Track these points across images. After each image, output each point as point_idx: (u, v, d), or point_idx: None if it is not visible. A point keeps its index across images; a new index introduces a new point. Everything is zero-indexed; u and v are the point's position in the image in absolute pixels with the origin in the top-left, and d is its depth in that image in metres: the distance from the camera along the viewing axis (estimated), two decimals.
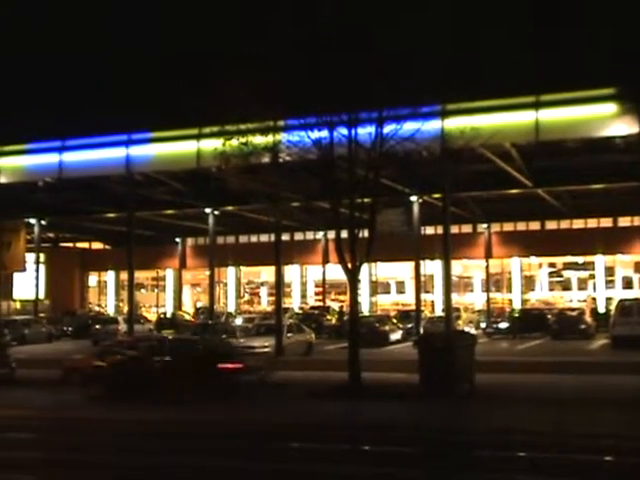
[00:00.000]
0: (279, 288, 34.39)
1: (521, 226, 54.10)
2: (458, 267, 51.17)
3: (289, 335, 32.21)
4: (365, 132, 23.13)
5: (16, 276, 52.09)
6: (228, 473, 12.68)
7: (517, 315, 43.43)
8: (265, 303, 59.59)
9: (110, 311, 60.08)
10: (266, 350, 30.72)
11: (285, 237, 43.54)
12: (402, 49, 21.53)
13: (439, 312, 47.08)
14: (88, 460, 13.86)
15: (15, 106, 60.11)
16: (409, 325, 40.26)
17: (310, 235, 56.85)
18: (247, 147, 22.72)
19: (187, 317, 51.22)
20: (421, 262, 42.38)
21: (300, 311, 50.33)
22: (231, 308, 57.26)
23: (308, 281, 59.73)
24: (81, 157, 36.37)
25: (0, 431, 17.77)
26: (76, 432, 17.55)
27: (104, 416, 19.69)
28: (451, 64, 20.62)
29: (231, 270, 59.51)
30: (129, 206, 37.06)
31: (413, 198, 39.36)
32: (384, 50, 21.56)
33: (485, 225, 52.23)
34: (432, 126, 24.45)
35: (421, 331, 36.58)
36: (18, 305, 57.31)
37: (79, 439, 16.40)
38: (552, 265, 55.26)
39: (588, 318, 41.63)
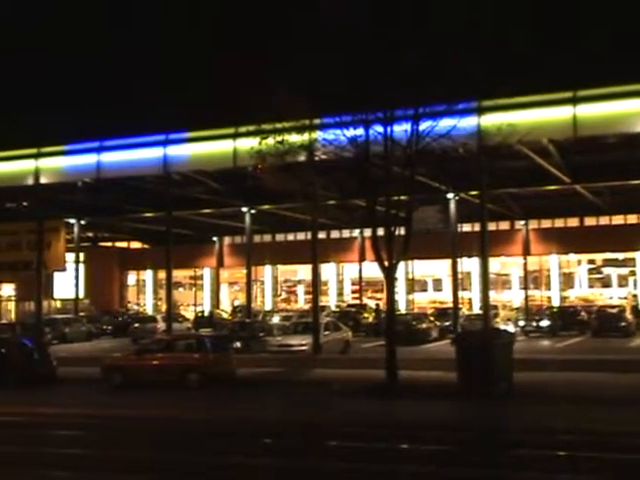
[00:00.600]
0: (316, 286, 34.39)
1: (559, 223, 53.51)
2: (496, 264, 50.77)
3: (326, 333, 32.23)
4: (401, 129, 23.07)
5: (56, 275, 52.83)
6: (270, 471, 12.75)
7: (556, 312, 43.00)
8: (302, 301, 59.65)
9: (149, 310, 60.66)
10: (303, 348, 30.82)
11: (321, 235, 43.56)
12: (438, 46, 21.42)
13: (477, 310, 46.77)
14: (133, 457, 14.04)
15: (54, 108, 60.97)
16: (446, 323, 40.06)
17: (346, 233, 56.79)
18: (283, 146, 22.78)
19: (224, 315, 51.49)
20: (458, 260, 42.16)
21: (337, 309, 50.33)
22: (268, 306, 57.46)
23: (345, 279, 59.70)
24: (119, 157, 36.74)
25: (47, 429, 18.05)
26: (117, 429, 17.75)
27: (146, 413, 19.88)
28: (487, 60, 20.46)
29: (268, 268, 59.71)
30: (167, 205, 37.35)
31: (450, 195, 39.16)
32: (419, 47, 21.47)
33: (523, 222, 51.78)
34: (468, 123, 24.28)
35: (459, 329, 36.37)
36: (59, 304, 58.14)
37: (121, 436, 16.60)
38: (591, 262, 54.57)
39: (629, 315, 41.08)
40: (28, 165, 38.00)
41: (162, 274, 52.08)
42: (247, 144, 24.91)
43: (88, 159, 37.17)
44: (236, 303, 58.80)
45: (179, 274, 56.11)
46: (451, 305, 41.53)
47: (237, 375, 26.13)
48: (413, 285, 55.88)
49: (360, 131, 22.90)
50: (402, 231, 24.16)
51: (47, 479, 12.51)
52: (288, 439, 15.60)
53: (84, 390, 25.71)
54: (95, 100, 75.02)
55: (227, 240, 61.29)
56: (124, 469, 13.03)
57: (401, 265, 26.75)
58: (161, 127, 36.30)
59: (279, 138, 22.73)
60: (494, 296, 46.88)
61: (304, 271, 55.41)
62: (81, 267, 52.94)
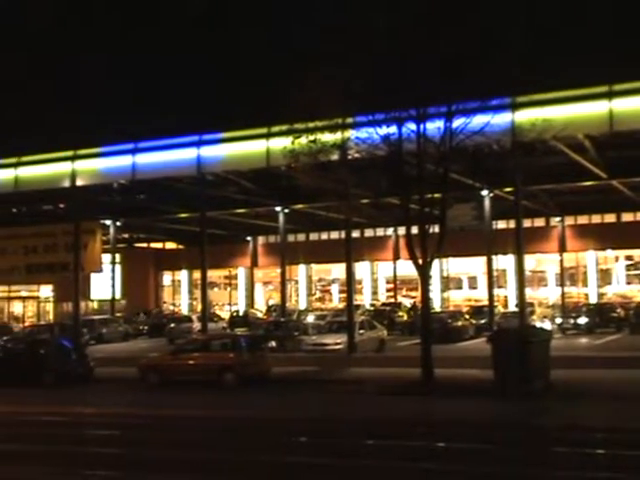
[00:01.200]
0: (350, 285, 34.34)
1: (596, 219, 52.83)
2: (531, 261, 50.32)
3: (361, 332, 32.18)
4: (434, 126, 22.97)
5: (93, 276, 53.38)
6: (305, 469, 12.76)
7: (593, 309, 42.48)
8: (336, 300, 59.63)
9: (184, 310, 61.06)
10: (338, 347, 30.80)
11: (355, 234, 43.49)
12: (471, 41, 21.30)
13: (512, 307, 46.37)
14: (172, 456, 14.14)
15: (90, 110, 61.63)
16: (482, 321, 39.80)
17: (380, 231, 56.64)
18: (316, 145, 22.80)
19: (259, 315, 51.67)
20: (493, 257, 41.86)
21: (371, 308, 50.24)
22: (302, 305, 57.52)
23: (379, 277, 59.58)
24: (153, 159, 37.01)
25: (85, 428, 18.26)
26: (155, 428, 17.89)
27: (183, 413, 20.01)
28: (522, 55, 20.29)
29: (302, 267, 59.78)
30: (201, 206, 37.55)
31: (484, 192, 38.89)
32: (452, 43, 21.36)
33: (558, 218, 51.26)
34: (503, 119, 24.10)
35: (494, 327, 36.10)
36: (95, 305, 58.76)
37: (159, 435, 16.72)
38: (629, 258, 53.83)
39: None
40: (65, 167, 38.42)
41: (197, 274, 52.40)
42: (280, 144, 24.98)
43: (123, 161, 37.48)
44: (270, 302, 58.97)
45: (214, 274, 56.38)
46: (486, 303, 41.25)
47: (272, 374, 26.22)
48: (448, 283, 55.58)
49: (393, 129, 22.84)
50: (436, 229, 24.08)
51: (87, 478, 12.62)
52: (325, 438, 15.60)
53: (121, 390, 25.96)
54: (130, 102, 75.70)
55: (261, 240, 61.46)
56: (164, 468, 13.11)
57: (435, 263, 26.58)
58: (195, 128, 36.49)
59: (312, 137, 22.76)
60: (530, 293, 46.47)
61: (338, 270, 55.41)
62: (117, 268, 53.43)
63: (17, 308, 61.71)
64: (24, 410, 21.20)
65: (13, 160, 39.21)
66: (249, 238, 60.90)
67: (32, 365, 27.45)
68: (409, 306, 48.65)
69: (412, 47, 21.45)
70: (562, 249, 51.14)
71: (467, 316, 41.29)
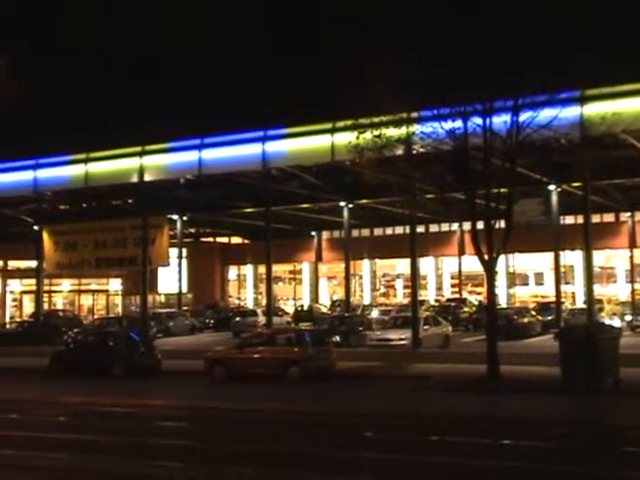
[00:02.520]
0: (414, 280, 34.17)
1: None
2: (600, 257, 49.23)
3: (425, 327, 32.01)
4: (500, 120, 22.70)
5: (160, 270, 54.27)
6: (369, 464, 12.78)
7: None
8: (401, 295, 59.42)
9: (249, 304, 61.60)
10: (403, 342, 30.70)
11: (420, 229, 43.21)
12: (539, 34, 20.97)
13: (580, 304, 45.53)
14: (240, 449, 14.30)
15: (157, 106, 62.60)
16: (549, 317, 39.20)
17: (445, 227, 56.21)
18: (381, 139, 22.75)
19: (324, 310, 51.81)
20: (561, 253, 41.14)
21: (436, 303, 49.93)
22: (367, 301, 57.48)
23: (444, 273, 59.18)
24: (219, 154, 37.38)
25: (152, 420, 18.59)
26: (221, 421, 18.12)
27: (248, 406, 20.21)
28: (591, 47, 19.88)
29: (366, 263, 59.75)
30: (266, 201, 37.80)
31: (551, 187, 38.22)
32: (518, 36, 21.06)
33: (628, 213, 50.03)
34: (571, 112, 23.67)
35: (562, 324, 35.50)
36: (163, 298, 59.75)
37: (225, 428, 16.92)
38: None
39: None
40: (133, 163, 39.09)
41: (262, 269, 52.78)
42: (345, 138, 24.98)
43: (190, 156, 37.95)
44: (335, 297, 59.07)
45: (279, 269, 56.70)
46: (554, 299, 40.56)
47: (336, 369, 26.28)
48: (514, 279, 54.88)
49: (459, 123, 22.64)
50: (502, 224, 23.82)
51: (153, 469, 12.86)
52: (390, 433, 15.58)
53: (187, 383, 26.36)
54: (196, 98, 76.66)
55: (325, 235, 61.59)
56: (231, 461, 13.26)
57: (501, 259, 26.30)
58: (260, 123, 36.74)
59: (377, 132, 22.71)
60: (599, 290, 45.44)
61: (403, 265, 55.18)
62: (184, 262, 54.20)
63: (87, 301, 63.15)
64: (94, 401, 21.69)
65: (83, 156, 40.07)
66: (314, 233, 61.09)
67: (101, 357, 28.09)
68: (474, 302, 48.14)
69: (478, 40, 21.22)
70: (632, 245, 49.93)
71: (533, 312, 40.70)
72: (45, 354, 31.56)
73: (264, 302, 47.71)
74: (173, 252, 48.90)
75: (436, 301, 52.24)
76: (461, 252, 54.79)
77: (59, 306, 60.54)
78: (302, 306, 53.77)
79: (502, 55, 21.08)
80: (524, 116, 22.09)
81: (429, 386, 22.78)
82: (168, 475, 12.53)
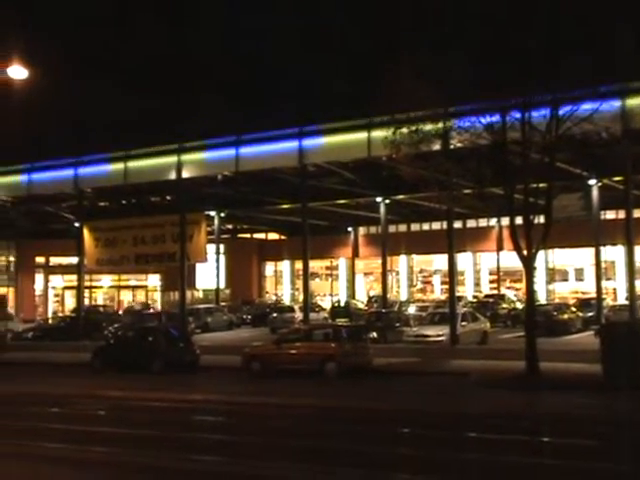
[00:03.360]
0: (452, 276, 33.97)
1: None
2: None
3: (463, 324, 31.82)
4: (539, 114, 22.44)
5: (198, 266, 54.65)
6: (408, 461, 12.74)
7: None
8: (438, 291, 59.17)
9: (286, 300, 61.78)
10: (440, 339, 30.56)
11: (457, 224, 42.95)
12: (577, 26, 20.70)
13: (622, 300, 44.88)
14: (280, 443, 14.35)
15: (196, 105, 63.04)
16: (589, 314, 38.71)
17: (483, 222, 55.81)
18: (417, 134, 22.63)
19: (360, 305, 51.76)
20: (602, 248, 40.57)
21: (474, 299, 49.61)
22: (404, 296, 57.33)
23: (482, 269, 58.78)
24: (256, 150, 37.49)
25: (191, 414, 18.73)
26: (259, 416, 18.19)
27: (286, 401, 20.27)
28: (631, 40, 19.58)
29: (403, 258, 59.58)
30: (303, 197, 37.85)
31: (592, 181, 37.71)
32: (558, 28, 20.81)
33: None
34: (612, 105, 23.31)
35: (603, 320, 35.04)
36: (201, 294, 60.19)
37: (264, 423, 16.98)
38: None
39: None
40: (171, 160, 39.38)
41: (299, 264, 52.89)
42: (381, 134, 24.90)
43: (227, 153, 38.12)
44: (372, 293, 59.00)
45: (315, 264, 56.81)
46: (594, 295, 40.06)
47: (373, 365, 26.25)
48: (554, 275, 54.32)
49: (497, 117, 22.44)
50: (541, 219, 23.57)
51: (192, 463, 12.95)
52: (427, 429, 15.52)
53: (226, 378, 26.52)
54: (232, 95, 77.06)
55: (362, 230, 61.54)
56: (269, 456, 13.30)
57: (541, 254, 26.01)
58: (296, 120, 36.79)
59: (413, 127, 22.59)
60: None
61: (440, 261, 54.93)
62: (221, 258, 54.50)
63: (126, 296, 63.87)
64: (134, 395, 21.94)
65: (122, 154, 40.46)
66: (350, 229, 61.05)
67: (141, 352, 28.37)
68: (513, 298, 47.72)
69: (517, 33, 21.01)
70: None
71: (574, 309, 40.25)
72: (86, 349, 32.03)
73: (301, 298, 47.83)
74: (211, 248, 49.17)
75: (474, 297, 51.89)
76: (499, 248, 54.40)
77: (99, 302, 61.37)
78: (339, 302, 53.78)
79: (541, 48, 20.84)
80: (564, 110, 21.81)
81: (468, 383, 22.65)
82: (207, 469, 12.59)
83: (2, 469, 12.95)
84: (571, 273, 55.47)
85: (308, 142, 36.03)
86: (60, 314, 55.90)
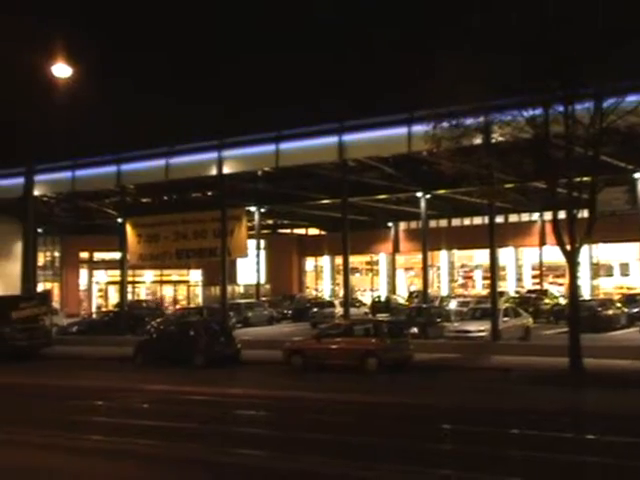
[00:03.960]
0: (494, 271, 33.67)
1: None
2: None
3: (505, 319, 31.55)
4: (583, 107, 22.14)
5: (239, 261, 54.93)
6: (451, 457, 12.68)
7: None
8: (479, 287, 58.78)
9: (326, 295, 61.84)
10: (482, 334, 30.34)
11: (499, 219, 42.57)
12: (622, 17, 20.36)
13: None
14: (322, 438, 14.39)
15: (235, 100, 63.44)
16: (635, 309, 38.16)
17: (525, 216, 55.30)
18: (458, 129, 22.48)
19: (401, 301, 51.64)
20: None
21: (516, 295, 49.18)
22: (445, 292, 57.04)
23: (524, 264, 58.24)
24: (296, 146, 37.53)
25: (233, 408, 18.85)
26: (300, 411, 18.23)
27: (328, 396, 20.28)
28: None
29: (444, 253, 59.29)
30: (343, 192, 37.81)
31: (637, 175, 37.13)
32: (601, 20, 20.49)
33: None
34: None
35: None
36: (242, 289, 60.53)
37: (305, 418, 17.03)
38: None
39: None
40: (212, 156, 39.59)
41: (339, 260, 52.91)
42: (422, 128, 24.76)
43: (267, 148, 38.23)
44: (412, 288, 58.80)
45: (356, 260, 56.76)
46: None
47: (414, 360, 26.16)
48: (598, 270, 53.57)
49: (539, 111, 22.18)
50: (585, 214, 23.26)
51: (236, 457, 13.04)
52: (470, 425, 15.43)
53: (266, 372, 26.63)
54: (271, 91, 77.28)
55: (402, 225, 61.34)
56: (312, 450, 13.34)
57: (584, 249, 25.70)
58: (336, 115, 36.76)
59: (454, 121, 22.43)
60: None
61: (481, 256, 54.54)
62: (262, 253, 54.71)
63: (168, 291, 64.48)
64: (176, 389, 22.15)
65: (164, 150, 40.80)
66: (390, 224, 60.89)
67: (183, 347, 28.59)
68: (556, 293, 47.19)
69: (559, 25, 20.74)
70: None
71: (618, 304, 39.67)
72: (129, 343, 32.40)
73: (341, 293, 47.82)
74: (251, 243, 49.44)
75: (516, 292, 51.45)
76: (542, 242, 53.87)
77: (142, 296, 62.04)
78: (379, 297, 53.71)
79: (585, 39, 20.55)
80: (608, 102, 21.49)
81: (510, 378, 22.47)
82: (250, 463, 12.67)
83: (51, 462, 13.17)
84: (616, 268, 54.66)
85: (348, 137, 35.98)
86: (104, 309, 56.65)
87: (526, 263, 58.15)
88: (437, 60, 21.19)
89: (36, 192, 42.66)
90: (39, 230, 47.73)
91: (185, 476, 12.25)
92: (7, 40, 35.03)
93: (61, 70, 31.19)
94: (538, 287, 52.95)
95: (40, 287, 49.95)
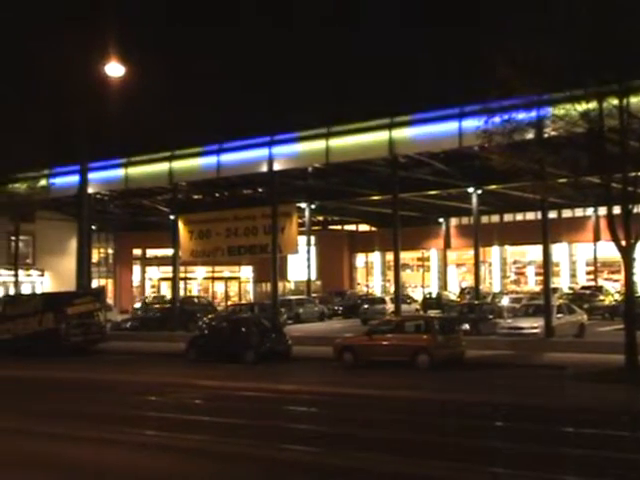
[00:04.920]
0: (547, 267, 33.24)
1: None
2: None
3: (559, 316, 31.11)
4: (638, 101, 21.70)
5: (290, 258, 55.14)
6: (502, 455, 12.58)
7: None
8: (532, 283, 58.05)
9: (377, 291, 61.72)
10: (535, 331, 29.97)
11: (552, 215, 41.96)
12: None
13: None
14: (374, 436, 14.38)
15: (286, 97, 63.71)
16: None
17: (579, 212, 54.44)
18: (510, 124, 22.21)
19: (452, 297, 51.28)
20: None
21: (570, 291, 48.47)
22: (497, 288, 56.48)
23: (578, 260, 57.33)
24: (346, 142, 37.50)
25: (284, 404, 18.93)
26: (352, 407, 18.23)
27: (379, 393, 20.27)
28: None
29: (496, 249, 58.69)
30: (393, 188, 37.67)
31: None
32: None
33: None
34: None
35: None
36: (292, 286, 60.75)
37: (357, 414, 17.02)
38: None
39: None
40: (262, 153, 39.81)
41: (390, 256, 52.71)
42: (473, 123, 24.53)
43: (318, 145, 38.29)
44: (464, 285, 58.33)
45: (406, 256, 56.50)
46: None
47: (466, 357, 25.97)
48: None
49: (593, 105, 21.79)
50: None
51: (288, 452, 13.09)
52: (522, 423, 15.28)
53: (317, 368, 26.71)
54: (323, 87, 77.29)
55: (454, 221, 60.87)
56: (364, 447, 13.35)
57: None
58: (386, 111, 36.63)
59: (506, 116, 22.18)
60: None
61: (534, 252, 53.86)
62: (312, 250, 54.81)
63: (220, 288, 65.05)
64: (228, 385, 22.34)
65: (215, 147, 41.16)
66: (441, 220, 60.50)
67: (234, 342, 28.82)
68: (612, 290, 46.34)
69: (612, 17, 20.35)
70: None
71: None
72: (181, 339, 32.78)
73: (392, 289, 47.69)
74: (302, 240, 49.58)
75: (570, 289, 50.71)
76: (596, 238, 52.99)
77: (194, 293, 62.71)
78: (430, 293, 53.41)
79: (639, 31, 20.14)
80: None
81: (564, 376, 22.15)
82: (301, 459, 12.71)
83: (104, 457, 13.39)
84: None
85: (398, 133, 35.83)
86: (157, 305, 57.35)
87: (580, 259, 57.23)
88: (490, 53, 20.95)
89: (90, 190, 43.36)
90: (93, 227, 48.50)
91: (236, 471, 12.33)
92: (61, 40, 35.64)
93: (115, 69, 31.67)
94: (592, 283, 52.09)
95: (94, 283, 50.79)
